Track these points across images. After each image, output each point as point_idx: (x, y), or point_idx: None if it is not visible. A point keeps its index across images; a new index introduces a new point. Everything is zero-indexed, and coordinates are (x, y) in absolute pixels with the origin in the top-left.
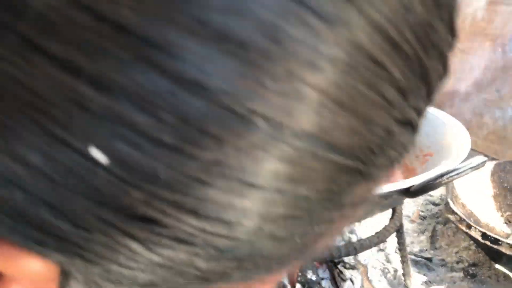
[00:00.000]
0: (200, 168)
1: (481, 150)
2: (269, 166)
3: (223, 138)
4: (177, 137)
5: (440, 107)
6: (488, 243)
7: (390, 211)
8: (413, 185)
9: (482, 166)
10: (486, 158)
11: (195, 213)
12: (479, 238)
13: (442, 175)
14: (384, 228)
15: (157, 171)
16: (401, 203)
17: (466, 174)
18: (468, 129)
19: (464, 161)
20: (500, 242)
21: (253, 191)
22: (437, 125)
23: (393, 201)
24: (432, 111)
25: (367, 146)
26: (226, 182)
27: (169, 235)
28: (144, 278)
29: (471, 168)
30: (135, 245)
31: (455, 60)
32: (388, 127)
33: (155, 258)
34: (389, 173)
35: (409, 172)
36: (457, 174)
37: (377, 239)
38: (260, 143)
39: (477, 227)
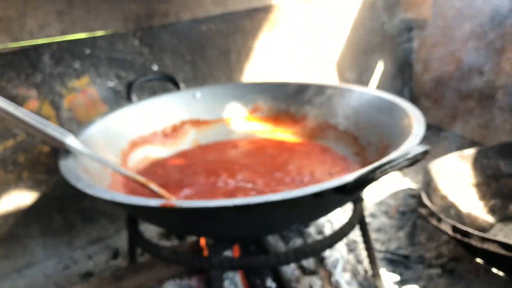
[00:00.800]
0: None
1: (468, 136)
2: None
3: None
4: None
5: (425, 93)
6: (458, 236)
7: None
8: (348, 182)
9: (423, 156)
10: (427, 148)
11: None
12: (449, 232)
13: (374, 169)
14: (339, 229)
15: None
16: (353, 201)
17: (403, 166)
18: (454, 114)
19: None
20: (470, 235)
21: None
22: (397, 114)
23: (333, 202)
24: (391, 99)
25: None
26: None
27: None
28: None
29: (407, 159)
30: None
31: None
32: None
33: None
34: None
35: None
36: (391, 167)
37: (330, 241)
38: None
39: (447, 220)
